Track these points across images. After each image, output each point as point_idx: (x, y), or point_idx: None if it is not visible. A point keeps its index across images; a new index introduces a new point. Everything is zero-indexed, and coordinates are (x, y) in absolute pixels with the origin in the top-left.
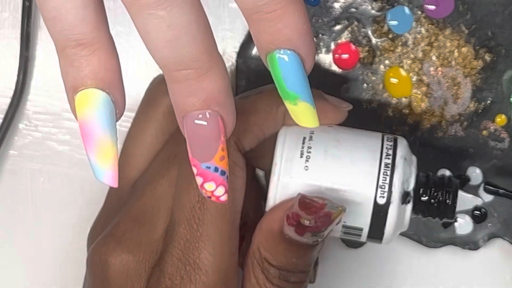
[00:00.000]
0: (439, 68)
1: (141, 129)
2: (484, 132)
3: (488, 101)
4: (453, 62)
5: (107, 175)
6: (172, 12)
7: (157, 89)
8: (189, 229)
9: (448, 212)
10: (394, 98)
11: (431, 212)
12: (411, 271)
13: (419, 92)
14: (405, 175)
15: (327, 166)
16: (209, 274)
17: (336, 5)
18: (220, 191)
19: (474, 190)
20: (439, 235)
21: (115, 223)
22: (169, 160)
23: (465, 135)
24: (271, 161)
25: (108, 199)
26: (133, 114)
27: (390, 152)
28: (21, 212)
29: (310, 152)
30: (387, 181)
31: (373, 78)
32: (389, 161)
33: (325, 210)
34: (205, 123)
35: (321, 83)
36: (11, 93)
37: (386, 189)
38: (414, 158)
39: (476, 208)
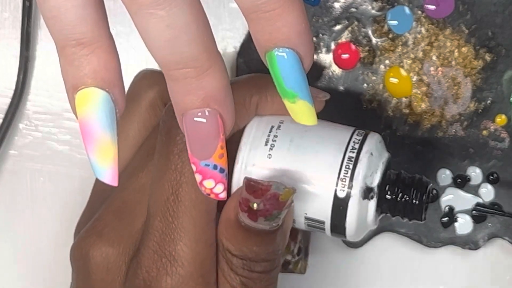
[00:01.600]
0: (439, 68)
1: (123, 124)
2: (484, 132)
3: (488, 101)
4: (453, 62)
5: (107, 174)
6: (171, 12)
7: (140, 83)
8: (164, 222)
9: (415, 213)
10: (394, 98)
11: (398, 211)
12: (411, 271)
13: (419, 92)
14: (369, 170)
15: (290, 156)
16: (185, 266)
17: (336, 5)
18: (219, 189)
19: (474, 190)
20: (439, 235)
21: (96, 217)
22: (149, 154)
23: (465, 135)
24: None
25: (93, 194)
26: None
27: (357, 146)
28: (21, 212)
29: (275, 140)
30: (349, 174)
31: (373, 78)
32: (354, 154)
33: (271, 191)
34: (204, 121)
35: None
36: (11, 93)
37: (347, 183)
38: (385, 155)
39: (476, 208)
